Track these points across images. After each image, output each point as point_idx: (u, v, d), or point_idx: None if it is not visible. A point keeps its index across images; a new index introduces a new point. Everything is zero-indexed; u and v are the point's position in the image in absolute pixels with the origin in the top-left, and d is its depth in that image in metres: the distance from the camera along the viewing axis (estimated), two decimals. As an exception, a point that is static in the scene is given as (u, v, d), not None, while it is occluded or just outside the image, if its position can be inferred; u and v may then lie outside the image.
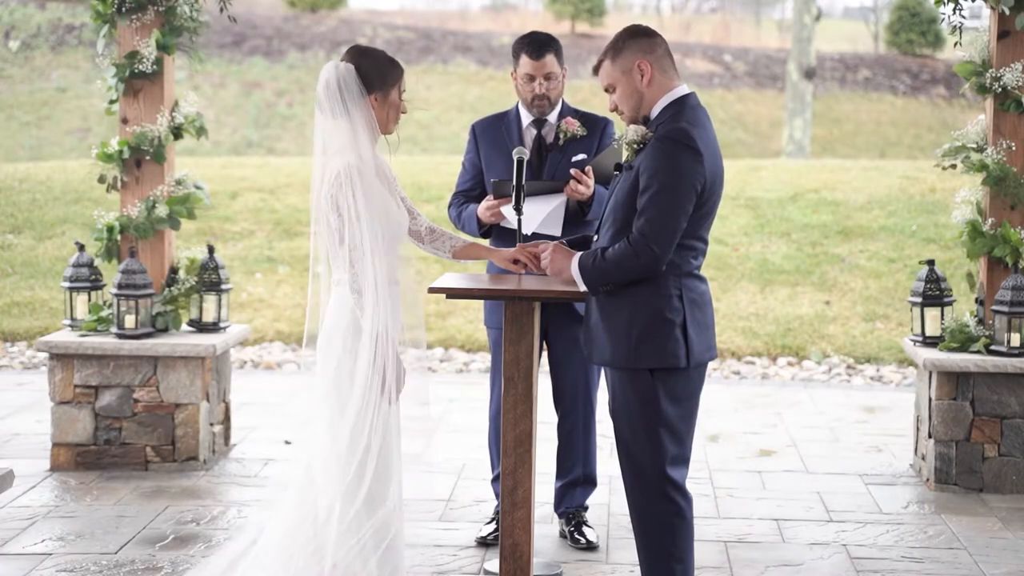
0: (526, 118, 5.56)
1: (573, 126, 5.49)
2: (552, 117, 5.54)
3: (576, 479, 5.64)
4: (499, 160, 5.50)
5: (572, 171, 5.29)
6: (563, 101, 5.56)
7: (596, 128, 5.54)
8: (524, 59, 5.44)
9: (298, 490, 4.29)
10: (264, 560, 4.23)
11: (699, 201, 4.17)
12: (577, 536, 5.58)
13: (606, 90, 4.33)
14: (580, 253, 4.32)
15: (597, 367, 5.53)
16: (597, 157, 5.36)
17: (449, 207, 5.64)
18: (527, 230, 5.20)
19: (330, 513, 4.17)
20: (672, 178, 4.11)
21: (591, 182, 5.29)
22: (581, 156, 5.47)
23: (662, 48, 4.29)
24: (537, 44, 5.43)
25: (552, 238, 5.14)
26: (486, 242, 5.51)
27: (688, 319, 4.21)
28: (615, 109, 4.34)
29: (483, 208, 5.38)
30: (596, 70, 4.33)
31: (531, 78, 5.44)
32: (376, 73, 4.27)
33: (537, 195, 5.26)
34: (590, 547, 5.54)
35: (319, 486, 4.24)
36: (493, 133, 5.57)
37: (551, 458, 5.75)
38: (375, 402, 4.19)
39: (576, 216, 5.36)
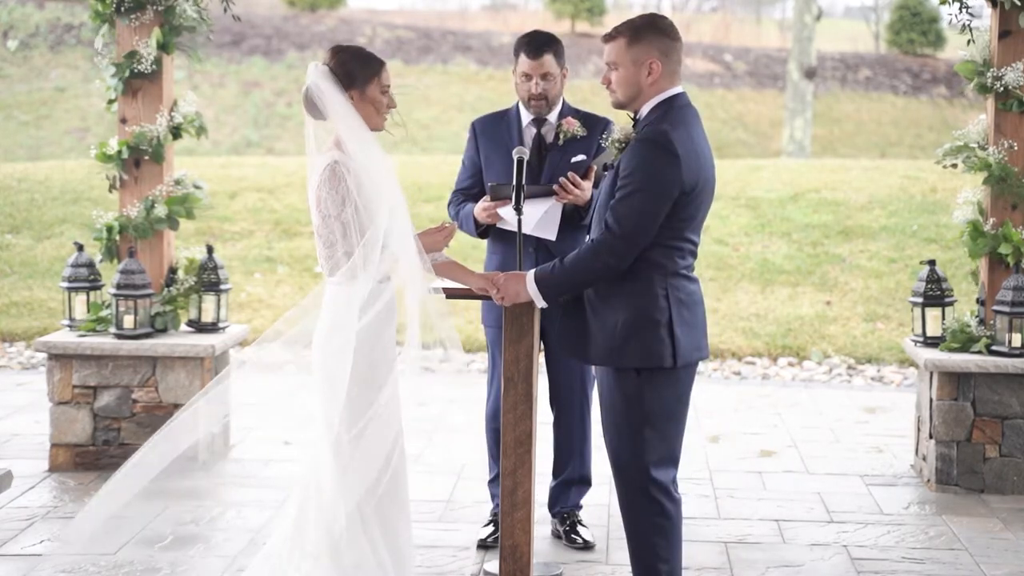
0: (526, 117, 5.52)
1: (573, 126, 5.45)
2: (552, 116, 5.50)
3: (571, 479, 5.63)
4: (498, 158, 5.48)
5: (569, 175, 5.22)
6: (564, 101, 5.53)
7: (596, 128, 5.49)
8: (522, 58, 5.41)
9: (304, 491, 4.27)
10: (272, 561, 4.22)
11: (682, 203, 4.13)
12: (573, 536, 5.57)
13: (607, 64, 4.26)
14: (534, 269, 4.31)
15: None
16: (596, 159, 5.33)
17: (448, 205, 5.62)
18: (525, 230, 5.17)
19: (336, 514, 4.16)
20: (645, 181, 4.09)
21: (589, 185, 5.22)
22: (581, 157, 5.43)
23: (677, 54, 4.25)
24: (536, 43, 5.40)
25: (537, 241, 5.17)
26: (478, 250, 5.50)
27: (675, 319, 4.19)
28: (607, 84, 4.27)
29: (479, 209, 5.35)
30: (607, 39, 4.24)
31: (528, 77, 5.41)
32: (349, 70, 4.21)
33: (532, 198, 5.23)
34: (587, 546, 5.53)
35: (324, 488, 4.22)
36: (493, 131, 5.54)
37: (549, 458, 5.73)
38: (372, 400, 4.18)
39: (572, 219, 5.33)
